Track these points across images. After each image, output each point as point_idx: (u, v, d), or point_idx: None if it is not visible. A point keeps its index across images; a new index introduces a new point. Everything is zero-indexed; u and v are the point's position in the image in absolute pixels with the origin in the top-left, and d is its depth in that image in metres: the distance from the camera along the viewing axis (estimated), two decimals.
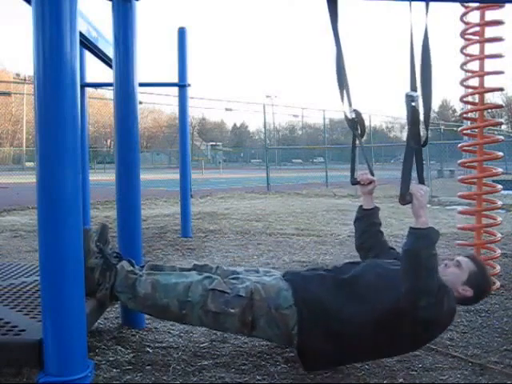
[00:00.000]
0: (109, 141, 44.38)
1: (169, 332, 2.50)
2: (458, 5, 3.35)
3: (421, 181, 1.91)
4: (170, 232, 5.85)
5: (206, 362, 2.13)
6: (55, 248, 1.54)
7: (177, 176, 5.97)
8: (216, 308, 1.95)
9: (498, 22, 3.32)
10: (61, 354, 1.56)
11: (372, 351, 1.99)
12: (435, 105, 58.84)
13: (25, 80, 34.24)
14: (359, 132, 2.27)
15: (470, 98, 3.80)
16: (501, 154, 3.63)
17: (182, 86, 5.55)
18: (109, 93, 13.64)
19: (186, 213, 5.69)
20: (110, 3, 2.46)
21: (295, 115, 36.49)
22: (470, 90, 3.60)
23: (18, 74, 43.80)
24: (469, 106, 3.82)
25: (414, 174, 1.93)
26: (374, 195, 2.43)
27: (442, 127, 19.41)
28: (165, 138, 50.08)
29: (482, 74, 3.42)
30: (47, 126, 1.53)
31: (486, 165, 3.63)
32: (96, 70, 5.58)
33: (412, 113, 1.79)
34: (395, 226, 6.24)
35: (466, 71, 3.59)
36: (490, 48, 3.41)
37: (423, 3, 1.87)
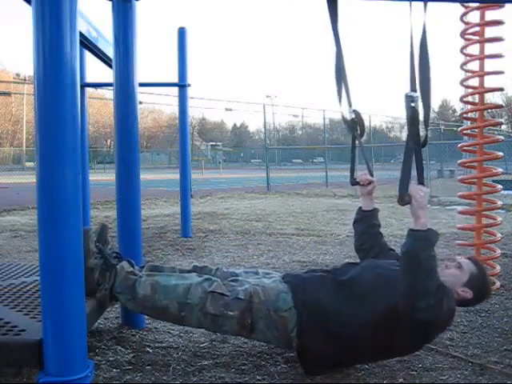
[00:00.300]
0: (109, 141, 44.38)
1: (169, 332, 2.50)
2: (457, 5, 3.35)
3: (421, 181, 1.90)
4: (170, 232, 5.85)
5: (206, 362, 2.13)
6: (55, 248, 1.53)
7: (177, 176, 5.97)
8: (215, 310, 1.94)
9: (498, 22, 3.32)
10: (61, 354, 1.56)
11: (371, 353, 1.99)
12: (435, 105, 58.92)
13: (25, 80, 34.25)
14: (359, 132, 2.27)
15: (470, 98, 3.80)
16: (501, 154, 3.63)
17: (181, 85, 5.55)
18: (109, 93, 13.64)
19: (186, 213, 5.69)
20: (110, 3, 2.46)
21: (295, 115, 36.43)
22: (470, 90, 3.60)
23: (18, 74, 43.85)
24: (469, 106, 3.82)
25: (414, 174, 1.93)
26: (374, 195, 2.43)
27: (442, 127, 19.43)
28: (165, 138, 50.09)
29: (481, 73, 3.42)
30: (47, 126, 1.53)
31: (485, 165, 3.63)
32: (96, 70, 5.58)
33: (412, 113, 1.79)
34: (395, 226, 6.24)
35: (466, 71, 3.59)
36: (489, 48, 3.42)
37: (423, 3, 1.87)
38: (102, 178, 14.49)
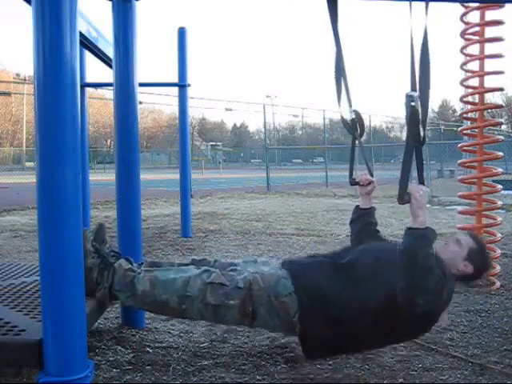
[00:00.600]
0: (109, 141, 44.37)
1: (169, 332, 2.50)
2: (457, 5, 3.35)
3: (421, 181, 1.91)
4: (170, 232, 5.86)
5: (206, 362, 2.13)
6: (55, 248, 1.53)
7: (177, 176, 5.97)
8: (215, 301, 1.94)
9: (498, 22, 3.33)
10: (61, 354, 1.56)
11: (371, 338, 1.99)
12: (435, 105, 58.93)
13: (25, 80, 34.24)
14: (358, 132, 2.28)
15: (470, 98, 3.81)
16: (501, 154, 3.63)
17: (181, 86, 5.55)
18: (109, 93, 13.64)
19: (186, 213, 5.69)
20: (110, 3, 2.47)
21: (295, 115, 36.38)
22: (470, 90, 3.60)
23: (18, 74, 43.82)
24: (469, 106, 3.83)
25: (414, 174, 1.93)
26: (374, 195, 2.43)
27: (442, 127, 19.43)
28: (165, 138, 50.07)
29: (481, 74, 3.43)
30: (47, 126, 1.53)
31: (485, 165, 3.63)
32: (96, 70, 5.59)
33: (412, 113, 1.80)
34: (395, 226, 6.25)
35: (466, 71, 3.59)
36: (489, 48, 3.42)
37: (423, 3, 1.87)
38: (102, 178, 14.49)
